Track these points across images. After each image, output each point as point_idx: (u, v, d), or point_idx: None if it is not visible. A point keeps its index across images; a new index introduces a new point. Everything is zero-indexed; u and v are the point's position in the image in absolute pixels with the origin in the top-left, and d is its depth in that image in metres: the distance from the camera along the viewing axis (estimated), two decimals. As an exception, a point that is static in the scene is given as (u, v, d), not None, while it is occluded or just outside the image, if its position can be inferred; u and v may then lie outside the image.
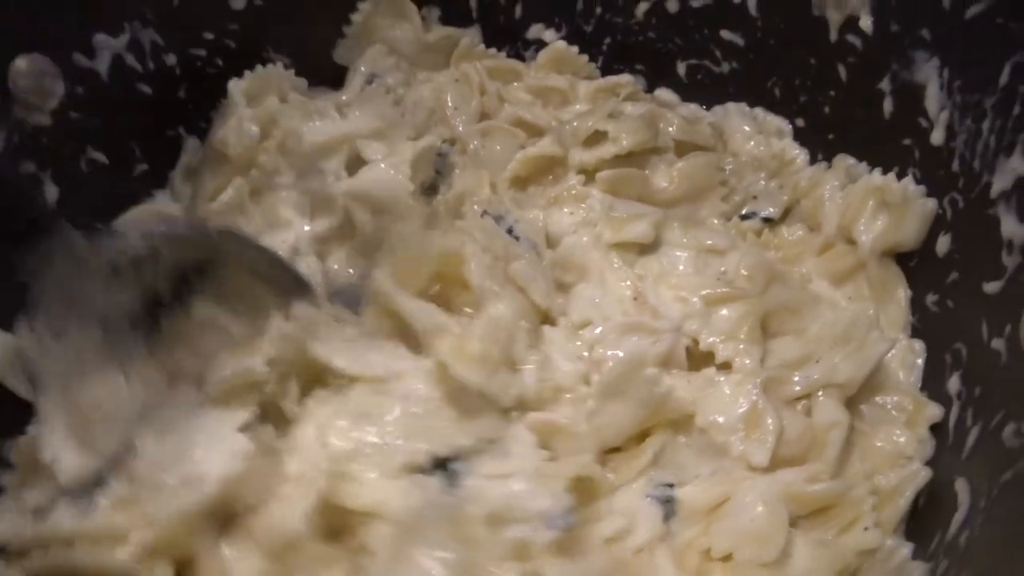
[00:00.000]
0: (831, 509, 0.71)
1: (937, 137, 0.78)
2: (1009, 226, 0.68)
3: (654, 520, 0.71)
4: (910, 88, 0.81)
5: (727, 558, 0.68)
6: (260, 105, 0.95)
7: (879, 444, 0.76)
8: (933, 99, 0.78)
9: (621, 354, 0.74)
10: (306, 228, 0.90)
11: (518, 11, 1.09)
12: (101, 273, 0.65)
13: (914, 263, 0.84)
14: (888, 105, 0.85)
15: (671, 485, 0.72)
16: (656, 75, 1.08)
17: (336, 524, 0.67)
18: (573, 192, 0.88)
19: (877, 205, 0.85)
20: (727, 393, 0.74)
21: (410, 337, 0.77)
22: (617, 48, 1.07)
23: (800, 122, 0.97)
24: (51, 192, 0.85)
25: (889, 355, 0.79)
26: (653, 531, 0.70)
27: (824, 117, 0.95)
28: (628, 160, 0.90)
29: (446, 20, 1.09)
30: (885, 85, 0.84)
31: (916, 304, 0.84)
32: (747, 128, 1.00)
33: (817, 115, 0.95)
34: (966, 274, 0.75)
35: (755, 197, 0.94)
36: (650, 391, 0.72)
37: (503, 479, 0.68)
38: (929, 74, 0.78)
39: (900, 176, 0.84)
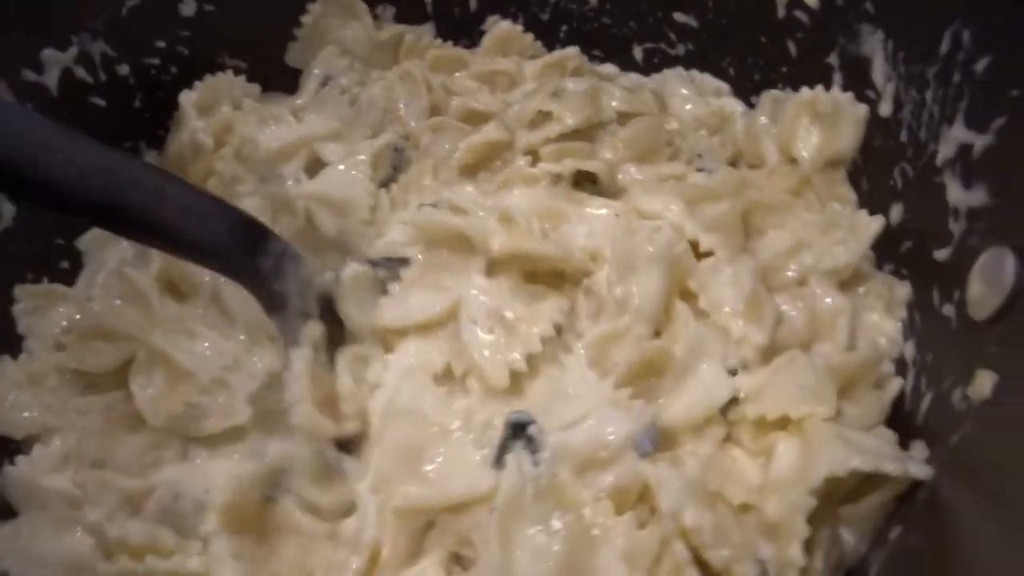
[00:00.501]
0: (857, 384, 0.73)
1: (885, 109, 0.79)
2: (954, 193, 0.68)
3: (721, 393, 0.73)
4: (857, 61, 0.81)
5: (783, 423, 0.70)
6: (213, 115, 0.95)
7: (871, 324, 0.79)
8: (879, 71, 0.79)
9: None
10: None
11: (473, 3, 1.09)
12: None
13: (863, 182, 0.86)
14: (838, 79, 0.85)
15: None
16: (613, 60, 1.09)
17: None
18: (522, 173, 0.88)
19: (810, 120, 0.87)
20: (727, 280, 0.77)
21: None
22: (574, 35, 1.08)
23: (754, 99, 0.98)
24: (7, 209, 0.86)
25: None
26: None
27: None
28: (574, 136, 0.91)
29: (401, 18, 1.09)
30: (833, 59, 0.85)
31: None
32: (685, 91, 1.02)
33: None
34: (918, 242, 0.75)
35: (700, 155, 0.96)
36: (667, 247, 0.76)
37: (579, 424, 0.69)
38: (875, 47, 0.79)
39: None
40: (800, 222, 0.85)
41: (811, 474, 0.64)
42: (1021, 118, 0.61)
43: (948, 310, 0.68)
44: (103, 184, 0.63)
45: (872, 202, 0.83)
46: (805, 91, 0.87)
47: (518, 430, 0.70)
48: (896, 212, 0.79)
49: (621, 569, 0.64)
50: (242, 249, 0.72)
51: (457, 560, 0.70)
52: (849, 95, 0.83)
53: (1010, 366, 0.58)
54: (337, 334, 0.80)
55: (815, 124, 0.87)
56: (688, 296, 0.78)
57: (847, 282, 0.81)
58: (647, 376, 0.75)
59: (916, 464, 0.65)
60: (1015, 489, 0.54)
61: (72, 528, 0.75)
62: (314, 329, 0.78)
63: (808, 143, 0.88)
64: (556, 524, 0.66)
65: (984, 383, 0.60)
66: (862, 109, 0.82)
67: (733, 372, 0.74)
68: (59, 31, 0.89)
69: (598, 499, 0.67)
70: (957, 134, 0.68)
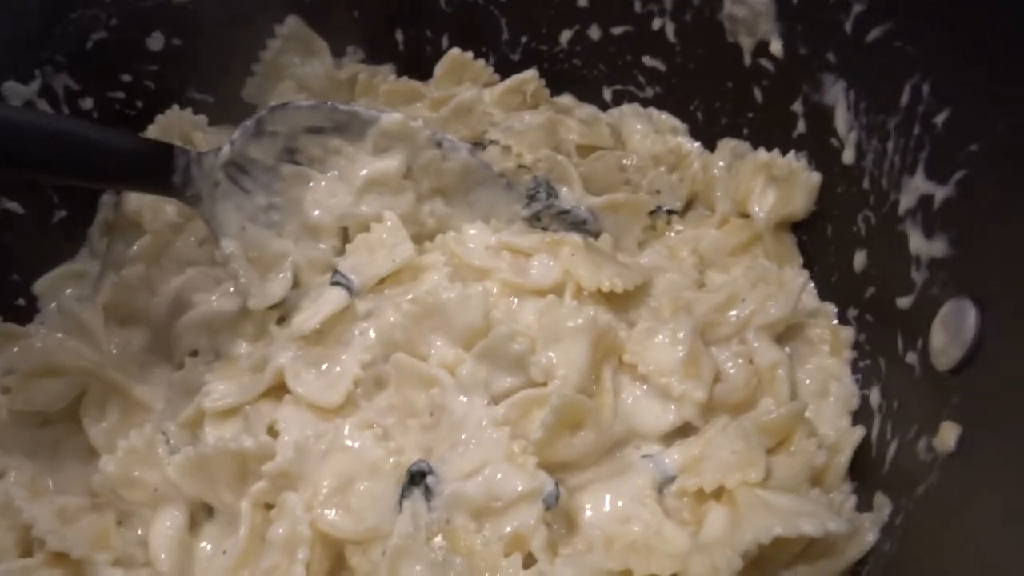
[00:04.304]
0: (792, 434, 0.75)
1: (848, 157, 0.80)
2: (916, 242, 0.69)
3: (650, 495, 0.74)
4: (821, 109, 0.83)
5: (718, 493, 0.71)
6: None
7: (812, 371, 0.83)
8: (842, 120, 0.80)
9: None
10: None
11: (444, 42, 1.09)
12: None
13: (806, 238, 0.91)
14: (801, 126, 0.87)
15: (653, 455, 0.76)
16: (584, 101, 1.10)
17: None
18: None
19: (766, 180, 0.90)
20: (663, 342, 0.79)
21: None
22: (545, 76, 1.08)
23: (719, 142, 1.00)
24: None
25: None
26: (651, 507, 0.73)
27: (744, 138, 0.97)
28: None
29: (371, 59, 1.10)
30: (798, 107, 0.86)
31: (840, 318, 0.86)
32: (640, 127, 1.04)
33: (738, 136, 0.98)
34: (881, 289, 0.76)
35: (658, 191, 0.99)
36: (589, 322, 0.78)
37: (476, 475, 0.71)
38: (837, 96, 0.81)
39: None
40: (738, 272, 0.89)
41: (737, 539, 0.65)
42: (980, 172, 0.62)
43: (911, 358, 0.69)
44: (31, 141, 0.70)
45: (836, 248, 0.85)
46: (762, 152, 0.91)
47: (417, 478, 0.73)
48: (860, 258, 0.80)
49: None
50: (153, 170, 0.79)
51: None
52: (803, 162, 0.87)
53: (973, 418, 0.59)
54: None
55: (771, 185, 0.90)
56: (627, 367, 0.80)
57: (785, 331, 0.83)
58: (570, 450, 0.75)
59: (835, 521, 0.65)
60: (982, 544, 0.54)
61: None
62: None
63: (763, 202, 0.91)
64: (444, 565, 0.67)
65: (948, 435, 0.60)
66: (815, 177, 0.86)
67: (669, 443, 0.77)
68: (23, 64, 0.88)
69: (487, 544, 0.69)
70: (918, 184, 0.69)
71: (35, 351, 0.83)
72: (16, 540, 0.76)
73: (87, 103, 0.95)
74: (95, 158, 0.74)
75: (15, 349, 0.85)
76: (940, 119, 0.67)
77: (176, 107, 1.00)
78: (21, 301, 0.92)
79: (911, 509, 0.64)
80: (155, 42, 0.97)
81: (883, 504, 0.68)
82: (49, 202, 0.94)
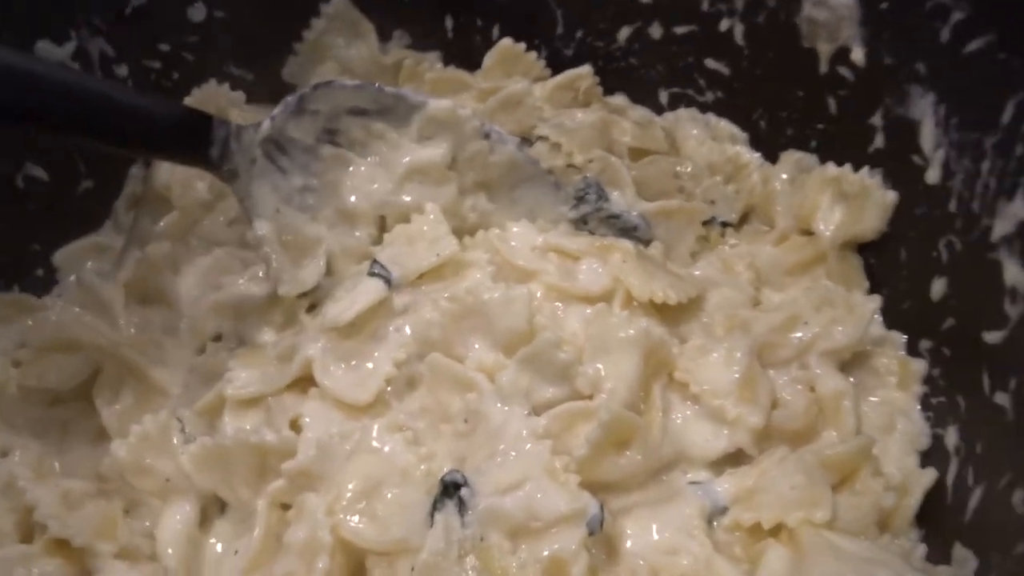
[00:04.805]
0: (858, 472, 0.70)
1: (933, 176, 0.75)
2: (1012, 273, 0.64)
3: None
4: (903, 124, 0.78)
5: (776, 530, 0.67)
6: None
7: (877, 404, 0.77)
8: (928, 136, 0.75)
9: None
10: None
11: (495, 32, 1.05)
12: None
13: (874, 261, 0.85)
14: (879, 140, 0.82)
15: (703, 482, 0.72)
16: (638, 103, 1.05)
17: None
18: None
19: (833, 196, 0.86)
20: (718, 361, 0.76)
21: None
22: (598, 74, 1.04)
23: (780, 154, 0.95)
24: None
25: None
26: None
27: (811, 151, 0.92)
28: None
29: (417, 45, 1.06)
30: (877, 120, 0.81)
31: (910, 349, 0.80)
32: (696, 132, 1.00)
33: (803, 149, 0.92)
34: (964, 321, 0.71)
35: (712, 202, 0.93)
36: (642, 334, 0.74)
37: (514, 490, 0.66)
38: (924, 110, 0.76)
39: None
40: (798, 292, 0.85)
41: None
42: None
43: (1002, 399, 0.64)
44: (63, 99, 0.66)
45: (910, 273, 0.80)
46: (831, 166, 0.86)
47: (451, 489, 0.68)
48: (939, 286, 0.75)
49: None
50: (192, 141, 0.75)
51: None
52: (877, 179, 0.82)
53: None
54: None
55: (839, 202, 0.86)
56: (678, 385, 0.76)
57: (850, 360, 0.79)
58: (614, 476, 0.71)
59: (913, 573, 0.60)
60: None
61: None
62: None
63: (829, 220, 0.86)
64: None
65: (1053, 487, 0.55)
66: (891, 195, 0.81)
67: (719, 471, 0.72)
68: (57, 24, 0.84)
69: (523, 567, 0.64)
70: (1017, 210, 0.64)
71: (50, 324, 0.81)
72: (16, 523, 0.73)
73: (122, 70, 0.91)
74: (130, 121, 0.70)
75: (29, 322, 0.83)
76: (1049, 139, 0.62)
77: (213, 81, 0.96)
78: (40, 272, 0.89)
79: (1009, 567, 0.58)
80: (197, 12, 0.94)
81: (966, 558, 0.63)
82: (76, 171, 0.91)
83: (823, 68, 0.85)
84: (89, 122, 0.67)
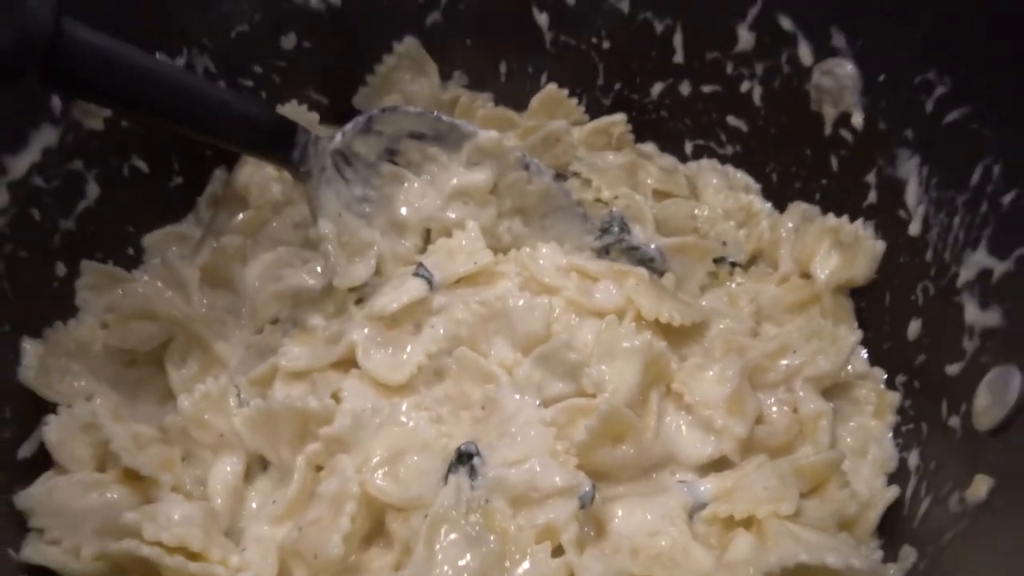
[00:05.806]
0: (827, 482, 0.77)
1: (914, 228, 0.84)
2: (971, 313, 0.72)
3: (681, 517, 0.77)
4: (893, 182, 0.87)
5: (748, 522, 0.74)
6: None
7: (854, 429, 0.85)
8: (912, 193, 0.84)
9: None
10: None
11: (543, 79, 1.16)
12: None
13: (863, 304, 0.93)
14: (872, 196, 0.91)
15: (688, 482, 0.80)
16: (665, 151, 1.14)
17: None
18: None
19: (831, 244, 0.94)
20: (712, 378, 0.84)
21: None
22: (631, 122, 1.13)
23: (789, 204, 1.03)
24: (92, 190, 0.92)
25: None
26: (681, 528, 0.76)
27: (815, 203, 1.01)
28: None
29: (473, 85, 1.16)
30: (871, 178, 0.90)
31: (888, 383, 0.88)
32: (716, 181, 1.08)
33: (809, 201, 1.02)
34: (932, 357, 0.79)
35: (724, 243, 1.03)
36: (645, 345, 0.82)
37: (518, 464, 0.75)
38: (910, 171, 0.84)
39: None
40: (793, 328, 0.92)
41: (761, 561, 0.67)
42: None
43: (954, 421, 0.71)
44: (187, 98, 0.79)
45: (892, 316, 0.87)
46: (831, 217, 0.94)
47: (465, 457, 0.77)
48: (914, 327, 0.83)
49: None
50: (279, 143, 0.87)
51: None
52: (869, 231, 0.90)
53: (1007, 474, 0.61)
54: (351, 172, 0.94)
55: (835, 249, 0.94)
56: (674, 394, 0.84)
57: (832, 388, 0.86)
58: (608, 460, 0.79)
59: (860, 559, 0.67)
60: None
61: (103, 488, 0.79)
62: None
63: (826, 264, 0.94)
64: (478, 540, 0.71)
65: (980, 487, 0.62)
66: (880, 245, 0.89)
67: (704, 474, 0.80)
68: (174, 39, 0.96)
69: (520, 529, 0.72)
70: (979, 259, 0.72)
71: (136, 295, 0.90)
72: (93, 455, 0.82)
73: (220, 85, 1.04)
74: (236, 121, 0.83)
75: (119, 291, 0.92)
76: (1007, 199, 0.70)
77: (294, 102, 1.07)
78: (130, 251, 0.99)
79: (936, 554, 0.65)
80: (288, 41, 1.05)
81: (909, 554, 0.70)
82: (170, 167, 1.02)
83: (828, 130, 0.94)
84: (208, 119, 0.80)
